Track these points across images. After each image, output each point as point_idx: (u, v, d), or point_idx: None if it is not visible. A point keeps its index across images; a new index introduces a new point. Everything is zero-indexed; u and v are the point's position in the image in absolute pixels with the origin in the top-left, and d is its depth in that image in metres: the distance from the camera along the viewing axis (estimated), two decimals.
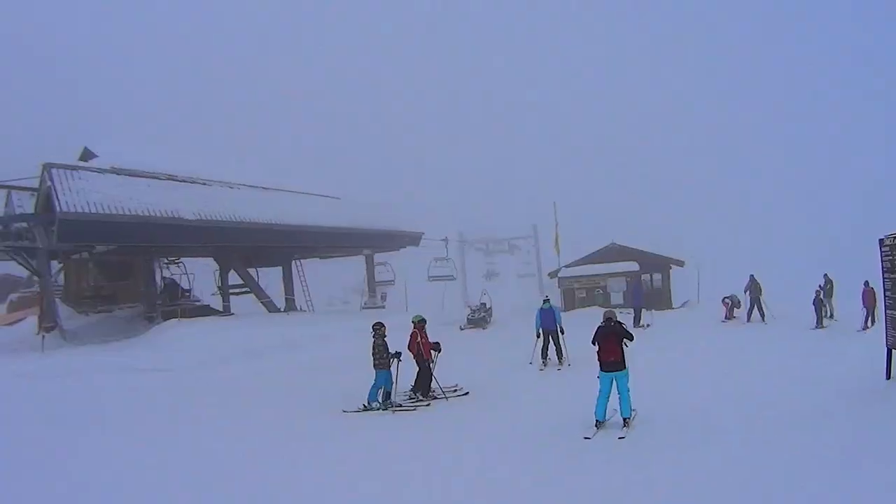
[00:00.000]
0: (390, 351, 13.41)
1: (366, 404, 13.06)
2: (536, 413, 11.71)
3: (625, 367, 10.45)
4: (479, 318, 29.78)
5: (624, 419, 10.29)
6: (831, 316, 24.37)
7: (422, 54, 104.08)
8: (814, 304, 23.54)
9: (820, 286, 24.99)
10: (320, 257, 38.58)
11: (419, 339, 13.84)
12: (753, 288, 25.53)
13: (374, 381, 13.27)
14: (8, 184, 24.84)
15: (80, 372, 17.14)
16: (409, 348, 13.89)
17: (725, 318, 26.03)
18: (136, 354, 19.73)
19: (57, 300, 26.67)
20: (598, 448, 9.21)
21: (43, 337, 23.11)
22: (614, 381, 10.40)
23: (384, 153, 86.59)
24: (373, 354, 13.43)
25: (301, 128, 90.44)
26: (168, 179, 25.94)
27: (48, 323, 24.98)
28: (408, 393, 13.86)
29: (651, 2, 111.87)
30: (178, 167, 27.16)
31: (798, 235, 62.26)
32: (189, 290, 31.71)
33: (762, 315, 25.15)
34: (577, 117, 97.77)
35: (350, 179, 47.72)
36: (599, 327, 10.81)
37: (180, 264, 31.61)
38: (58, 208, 20.68)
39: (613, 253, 34.74)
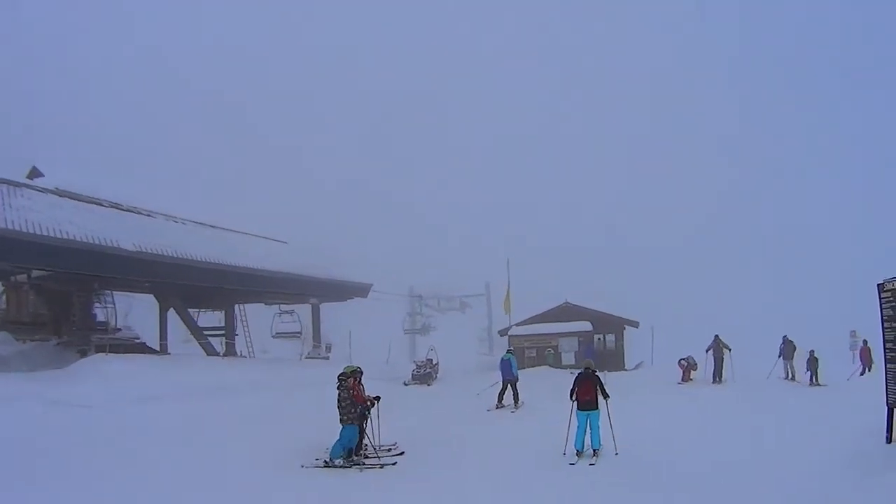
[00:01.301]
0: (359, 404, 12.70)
1: (327, 460, 12.25)
2: (516, 449, 13.33)
3: (598, 408, 12.64)
4: (425, 373, 29.10)
5: (594, 450, 12.56)
6: (793, 378, 24.95)
7: (374, 101, 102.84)
8: (808, 363, 24.43)
9: (781, 347, 25.67)
10: (265, 303, 37.36)
11: (352, 391, 12.91)
12: (717, 348, 25.31)
13: (339, 437, 12.42)
14: None
15: None
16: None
17: (682, 380, 25.56)
18: (57, 387, 18.37)
19: None
20: (579, 471, 11.67)
21: None
22: (588, 419, 12.56)
23: (335, 202, 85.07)
24: (338, 408, 12.59)
25: (249, 169, 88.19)
26: (112, 207, 24.97)
27: None
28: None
29: (595, 46, 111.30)
30: (124, 196, 26.22)
31: (760, 299, 62.52)
32: (105, 323, 29.56)
33: (720, 376, 25.04)
34: (536, 173, 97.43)
35: (298, 226, 46.60)
36: (579, 374, 13.11)
37: (104, 296, 29.81)
38: None
39: (566, 312, 34.32)
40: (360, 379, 13.42)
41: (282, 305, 36.78)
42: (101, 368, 20.89)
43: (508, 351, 22.35)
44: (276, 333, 36.02)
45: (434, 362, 30.80)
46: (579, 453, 12.40)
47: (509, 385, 20.13)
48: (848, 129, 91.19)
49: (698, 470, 10.89)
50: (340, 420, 12.50)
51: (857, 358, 25.62)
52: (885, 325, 10.41)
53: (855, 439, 11.00)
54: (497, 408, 19.78)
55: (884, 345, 10.49)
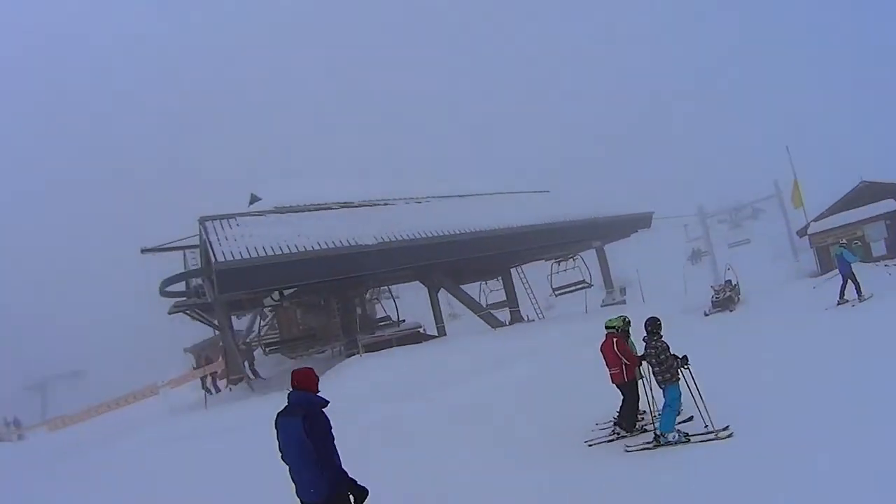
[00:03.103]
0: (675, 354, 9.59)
1: (658, 434, 9.45)
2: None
3: None
4: (725, 298, 25.18)
5: None
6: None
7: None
8: None
9: None
10: (545, 259, 35.02)
11: (618, 350, 10.13)
12: None
13: (664, 402, 9.54)
14: (173, 245, 24.14)
15: (231, 430, 15.61)
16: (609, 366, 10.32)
17: None
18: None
19: (260, 350, 26.95)
20: None
21: (206, 395, 23.30)
22: None
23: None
24: (653, 364, 9.63)
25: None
26: (342, 208, 24.54)
27: (234, 375, 24.82)
28: (609, 425, 10.54)
29: None
30: (348, 195, 26.13)
31: None
32: (385, 317, 30.21)
33: None
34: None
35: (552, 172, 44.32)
36: None
37: (377, 292, 30.06)
38: (213, 259, 19.98)
39: (865, 194, 27.82)
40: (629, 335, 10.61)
41: (558, 257, 33.78)
42: (356, 370, 20.43)
43: (840, 244, 22.41)
44: (556, 289, 32.86)
45: (734, 283, 26.74)
46: None
47: (848, 279, 19.60)
48: None
49: None
50: (658, 381, 9.58)
51: None
52: None
53: None
54: (838, 304, 19.56)
55: None
